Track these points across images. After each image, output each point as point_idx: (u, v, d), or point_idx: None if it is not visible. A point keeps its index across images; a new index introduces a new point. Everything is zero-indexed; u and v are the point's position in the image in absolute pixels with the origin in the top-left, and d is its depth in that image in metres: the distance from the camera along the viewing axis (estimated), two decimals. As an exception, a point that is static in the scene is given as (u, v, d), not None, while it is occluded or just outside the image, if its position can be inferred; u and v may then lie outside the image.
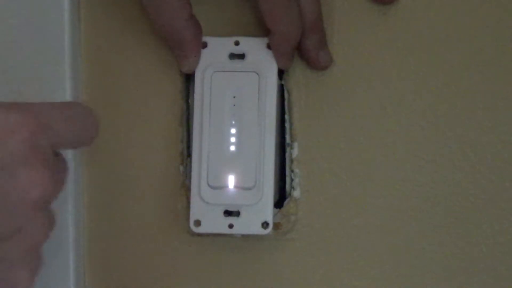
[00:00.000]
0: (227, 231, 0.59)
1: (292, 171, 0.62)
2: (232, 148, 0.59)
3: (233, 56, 0.60)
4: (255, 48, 0.60)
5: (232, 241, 0.62)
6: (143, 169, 0.62)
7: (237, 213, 0.59)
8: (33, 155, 0.45)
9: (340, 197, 0.61)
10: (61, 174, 0.49)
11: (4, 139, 0.44)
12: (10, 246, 0.45)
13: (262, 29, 0.60)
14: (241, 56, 0.60)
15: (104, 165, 0.63)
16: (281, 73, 0.61)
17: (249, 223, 0.59)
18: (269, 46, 0.60)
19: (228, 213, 0.60)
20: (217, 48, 0.60)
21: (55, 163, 0.47)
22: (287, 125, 0.62)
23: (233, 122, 0.59)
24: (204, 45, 0.60)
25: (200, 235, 0.61)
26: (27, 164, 0.44)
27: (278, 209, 0.62)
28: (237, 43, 0.60)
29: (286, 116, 0.62)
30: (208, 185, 0.59)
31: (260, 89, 0.59)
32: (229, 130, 0.59)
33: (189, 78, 0.62)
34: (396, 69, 0.61)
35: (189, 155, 0.62)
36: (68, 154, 0.60)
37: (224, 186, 0.59)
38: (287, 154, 0.62)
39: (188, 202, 0.60)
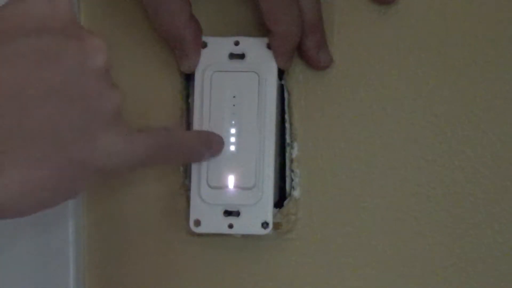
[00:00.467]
0: (227, 231, 0.59)
1: (292, 171, 0.62)
2: (232, 148, 0.59)
3: (233, 56, 0.60)
4: (255, 48, 0.60)
5: (232, 241, 0.62)
6: (143, 170, 0.62)
7: (237, 213, 0.59)
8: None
9: (340, 197, 0.61)
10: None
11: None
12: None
13: (262, 29, 0.60)
14: (241, 56, 0.60)
15: (104, 165, 0.63)
16: (281, 73, 0.61)
17: (249, 223, 0.59)
18: (269, 46, 0.60)
19: (228, 213, 0.60)
20: (217, 48, 0.60)
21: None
22: (287, 125, 0.62)
23: (233, 122, 0.59)
24: (204, 45, 0.60)
25: (200, 235, 0.61)
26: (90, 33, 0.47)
27: (278, 209, 0.62)
28: (237, 43, 0.60)
29: (286, 116, 0.62)
30: (208, 185, 0.59)
31: (260, 89, 0.59)
32: (229, 130, 0.59)
33: (189, 78, 0.62)
34: (396, 69, 0.61)
35: (189, 155, 0.61)
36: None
37: (224, 186, 0.59)
38: (287, 154, 0.62)
39: (188, 202, 0.60)
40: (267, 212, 0.59)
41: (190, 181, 0.60)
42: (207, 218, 0.59)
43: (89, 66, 0.46)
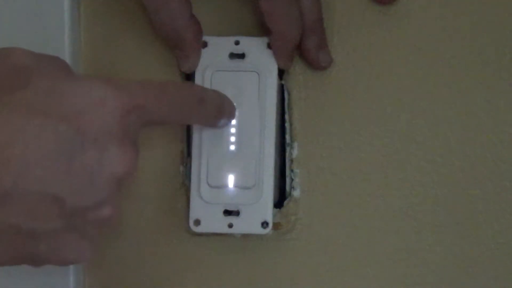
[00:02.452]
0: (227, 230, 0.59)
1: (292, 171, 0.62)
2: (232, 147, 0.59)
3: (233, 55, 0.60)
4: (255, 47, 0.60)
5: (232, 241, 0.62)
6: (143, 169, 0.62)
7: (236, 213, 0.59)
8: (124, 132, 0.46)
9: (340, 197, 0.61)
10: (138, 152, 0.49)
11: (101, 113, 0.45)
12: (88, 218, 0.46)
13: (262, 29, 0.60)
14: (241, 56, 0.60)
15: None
16: (281, 73, 0.61)
17: (249, 223, 0.59)
18: (269, 46, 0.60)
19: (227, 212, 0.60)
20: (217, 48, 0.60)
21: (137, 141, 0.48)
22: (287, 125, 0.62)
23: (233, 122, 0.59)
24: (204, 44, 0.60)
25: (199, 234, 0.61)
26: (118, 140, 0.46)
27: (278, 209, 0.62)
28: (237, 43, 0.60)
29: (286, 116, 0.62)
30: (208, 184, 0.59)
31: (260, 89, 0.59)
32: (229, 130, 0.59)
33: (189, 78, 0.62)
34: (396, 69, 0.61)
35: (189, 155, 0.61)
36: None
37: (223, 186, 0.59)
38: (287, 154, 0.62)
39: (188, 202, 0.60)
40: (267, 211, 0.59)
41: (190, 181, 0.60)
42: (207, 217, 0.59)
43: (101, 174, 0.45)
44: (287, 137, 0.62)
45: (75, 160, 0.44)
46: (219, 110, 0.55)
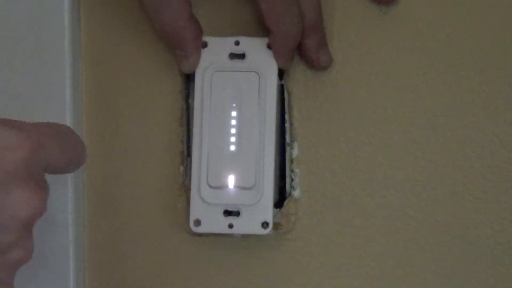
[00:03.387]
0: (227, 231, 0.59)
1: (292, 171, 0.62)
2: (232, 148, 0.59)
3: (233, 56, 0.60)
4: (255, 48, 0.60)
5: (232, 241, 0.62)
6: (143, 169, 0.62)
7: (237, 213, 0.59)
8: (27, 174, 0.45)
9: (340, 197, 0.61)
10: (46, 194, 0.48)
11: (5, 156, 0.44)
12: None
13: (262, 29, 0.60)
14: (241, 56, 0.60)
15: (104, 165, 0.63)
16: (281, 73, 0.61)
17: (249, 223, 0.59)
18: (269, 46, 0.60)
19: (228, 213, 0.60)
20: (217, 48, 0.60)
21: (45, 184, 0.47)
22: (287, 125, 0.62)
23: (233, 122, 0.59)
24: (204, 45, 0.60)
25: (200, 235, 0.61)
26: (22, 182, 0.45)
27: (278, 209, 0.62)
28: (237, 43, 0.60)
29: (286, 116, 0.62)
30: (208, 185, 0.59)
31: (260, 89, 0.59)
32: (229, 130, 0.59)
33: (189, 78, 0.62)
34: (396, 69, 0.61)
35: (189, 155, 0.61)
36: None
37: (224, 186, 0.59)
38: (287, 154, 0.62)
39: (188, 202, 0.60)
40: (267, 212, 0.59)
41: (190, 181, 0.60)
42: (207, 218, 0.59)
43: (7, 217, 0.45)
44: (287, 137, 0.62)
45: None
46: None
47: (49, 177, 0.47)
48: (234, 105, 0.59)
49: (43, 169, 0.47)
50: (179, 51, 0.60)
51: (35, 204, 0.45)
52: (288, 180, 0.62)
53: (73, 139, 0.50)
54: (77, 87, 0.62)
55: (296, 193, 0.62)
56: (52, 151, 0.47)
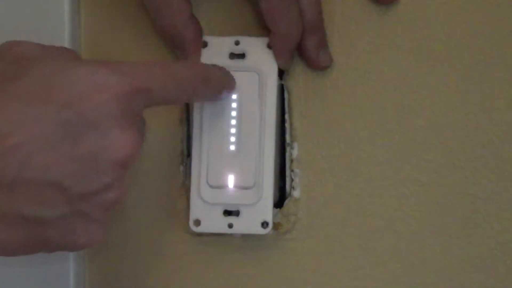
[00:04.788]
0: (227, 230, 0.59)
1: (292, 171, 0.62)
2: (232, 147, 0.59)
3: (233, 55, 0.60)
4: (255, 47, 0.60)
5: (232, 241, 0.62)
6: (143, 169, 0.62)
7: (236, 213, 0.59)
8: (125, 116, 0.46)
9: (340, 197, 0.61)
10: (143, 136, 0.50)
11: (103, 97, 0.46)
12: (95, 202, 0.47)
13: (262, 29, 0.60)
14: (241, 56, 0.60)
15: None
16: (281, 73, 0.61)
17: (249, 223, 0.59)
18: (269, 46, 0.60)
19: (227, 212, 0.60)
20: (217, 48, 0.60)
21: (142, 124, 0.49)
22: (287, 125, 0.62)
23: (233, 122, 0.59)
24: (204, 44, 0.60)
25: (200, 234, 0.61)
26: (120, 125, 0.46)
27: (278, 209, 0.62)
28: (237, 43, 0.60)
29: (286, 116, 0.62)
30: (208, 184, 0.59)
31: (260, 88, 0.59)
32: (229, 130, 0.59)
33: (189, 78, 0.62)
34: (396, 69, 0.61)
35: (189, 155, 0.61)
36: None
37: (223, 186, 0.59)
38: (287, 154, 0.62)
39: (188, 202, 0.60)
40: (267, 211, 0.59)
41: (190, 181, 0.60)
42: (207, 217, 0.59)
43: (104, 158, 0.46)
44: (287, 137, 0.62)
45: (77, 146, 0.45)
46: (222, 86, 0.56)
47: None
48: (234, 105, 0.59)
49: (143, 109, 0.48)
50: (179, 51, 0.60)
51: (132, 145, 0.46)
52: (288, 180, 0.62)
53: (187, 76, 0.51)
54: (77, 87, 0.62)
55: (296, 193, 0.62)
56: (159, 91, 0.48)
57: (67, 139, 0.45)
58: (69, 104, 0.45)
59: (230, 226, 0.59)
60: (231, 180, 0.59)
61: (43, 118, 0.44)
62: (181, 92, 0.51)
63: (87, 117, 0.45)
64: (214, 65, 0.56)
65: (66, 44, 0.61)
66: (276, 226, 0.61)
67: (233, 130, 0.59)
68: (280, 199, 0.62)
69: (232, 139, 0.59)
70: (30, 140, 0.44)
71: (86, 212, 0.47)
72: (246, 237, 0.61)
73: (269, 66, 0.60)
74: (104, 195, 0.47)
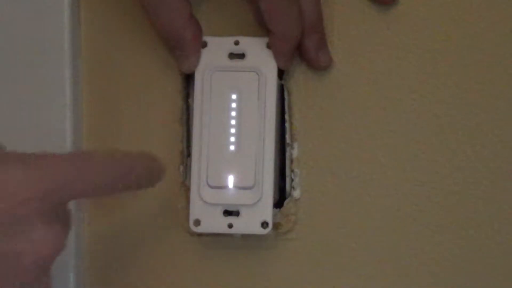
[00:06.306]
0: (227, 230, 0.59)
1: (292, 171, 0.62)
2: (232, 147, 0.59)
3: (233, 56, 0.60)
4: (255, 48, 0.60)
5: (232, 241, 0.62)
6: (143, 169, 0.62)
7: (236, 213, 0.59)
8: (46, 213, 0.45)
9: (340, 197, 0.61)
10: (68, 228, 0.48)
11: (22, 198, 0.44)
12: None
13: (262, 29, 0.60)
14: (241, 56, 0.60)
15: (104, 165, 0.63)
16: (281, 73, 0.61)
17: (249, 223, 0.59)
18: (269, 46, 0.60)
19: (227, 212, 0.60)
20: (217, 48, 0.60)
21: (66, 217, 0.47)
22: (287, 125, 0.62)
23: (233, 122, 0.59)
24: (204, 44, 0.60)
25: (199, 234, 0.61)
26: (41, 223, 0.45)
27: (278, 209, 0.62)
28: (237, 43, 0.60)
29: (286, 116, 0.62)
30: (208, 184, 0.59)
31: (260, 89, 0.59)
32: (229, 130, 0.59)
33: (189, 78, 0.62)
34: (396, 69, 0.61)
35: (189, 155, 0.61)
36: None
37: (223, 186, 0.59)
38: (287, 154, 0.62)
39: (188, 202, 0.60)
40: (267, 212, 0.59)
41: (190, 181, 0.60)
42: (207, 217, 0.59)
43: (26, 258, 0.45)
44: (287, 137, 0.62)
45: None
46: (149, 178, 0.53)
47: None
48: (234, 105, 0.59)
49: (64, 203, 0.47)
50: (179, 51, 0.60)
51: (53, 243, 0.45)
52: (288, 180, 0.62)
53: (108, 170, 0.49)
54: (77, 87, 0.62)
55: (296, 193, 0.62)
56: (77, 187, 0.47)
57: None
58: None
59: (230, 226, 0.59)
60: (231, 180, 0.59)
61: None
62: (101, 187, 0.49)
63: (4, 220, 0.44)
64: (142, 156, 0.53)
65: (66, 44, 0.61)
66: (276, 226, 0.61)
67: (233, 130, 0.59)
68: (280, 199, 0.62)
69: (232, 139, 0.59)
70: None
71: None
72: (246, 237, 0.61)
73: (269, 66, 0.60)
74: None
